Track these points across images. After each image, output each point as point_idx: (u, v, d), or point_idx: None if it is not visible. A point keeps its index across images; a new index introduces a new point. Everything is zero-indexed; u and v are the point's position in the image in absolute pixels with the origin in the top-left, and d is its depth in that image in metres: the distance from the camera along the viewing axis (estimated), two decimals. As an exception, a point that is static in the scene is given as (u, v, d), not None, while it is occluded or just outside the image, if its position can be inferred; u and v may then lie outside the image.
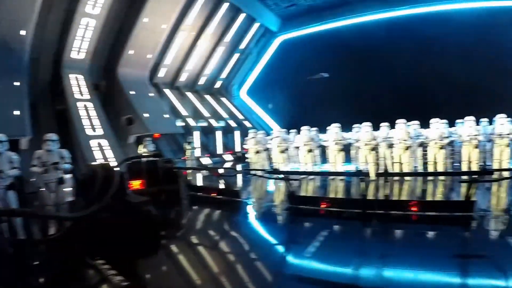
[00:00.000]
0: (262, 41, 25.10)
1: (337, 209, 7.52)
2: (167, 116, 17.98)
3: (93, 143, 13.71)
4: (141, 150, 14.52)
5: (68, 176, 8.75)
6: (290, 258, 5.37)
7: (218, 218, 8.33)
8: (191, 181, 11.65)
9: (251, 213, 8.37)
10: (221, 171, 14.01)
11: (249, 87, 26.67)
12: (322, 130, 13.02)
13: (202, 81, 22.79)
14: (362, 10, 22.41)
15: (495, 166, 10.49)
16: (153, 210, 5.81)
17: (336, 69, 21.63)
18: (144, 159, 9.54)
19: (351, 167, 12.22)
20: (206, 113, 22.17)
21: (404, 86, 19.68)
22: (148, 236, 5.19)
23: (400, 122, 10.90)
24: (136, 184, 8.98)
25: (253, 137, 13.99)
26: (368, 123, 11.35)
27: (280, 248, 5.95)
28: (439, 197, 8.76)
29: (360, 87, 20.98)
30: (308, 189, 10.70)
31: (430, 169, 10.83)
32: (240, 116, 24.43)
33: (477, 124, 11.30)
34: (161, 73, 19.70)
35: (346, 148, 12.49)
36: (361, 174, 7.56)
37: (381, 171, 10.45)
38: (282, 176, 8.51)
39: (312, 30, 24.42)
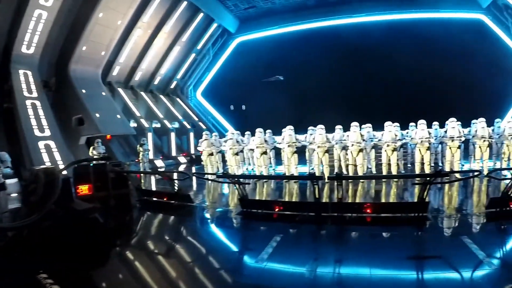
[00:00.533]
0: (220, 42, 25.13)
1: (291, 212, 7.47)
2: (119, 116, 17.42)
3: (41, 144, 13.01)
4: (92, 152, 13.85)
5: (13, 181, 8.18)
6: (242, 264, 5.24)
7: (168, 224, 8.01)
8: (142, 185, 11.14)
9: (203, 218, 8.23)
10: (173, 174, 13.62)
11: (205, 88, 26.59)
12: (277, 132, 13.18)
13: (157, 81, 22.40)
14: (319, 15, 23.19)
15: (447, 167, 11.27)
16: (100, 217, 5.50)
17: (291, 72, 22.33)
18: (92, 162, 9.04)
19: (305, 169, 12.72)
20: (160, 114, 21.67)
21: (359, 90, 20.89)
22: (93, 245, 4.98)
23: (354, 125, 11.32)
24: (83, 189, 8.51)
25: (206, 139, 13.95)
26: (322, 126, 11.72)
27: (231, 255, 5.73)
28: (393, 198, 9.05)
29: (315, 91, 21.77)
30: (262, 192, 10.73)
31: (384, 171, 11.32)
32: (195, 118, 24.28)
33: (429, 127, 12.02)
34: (115, 71, 19.11)
35: (301, 150, 12.78)
36: (313, 178, 7.57)
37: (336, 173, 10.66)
38: (232, 180, 8.36)
39: (270, 33, 24.81)
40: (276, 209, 7.62)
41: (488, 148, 11.25)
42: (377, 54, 20.58)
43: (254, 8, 23.38)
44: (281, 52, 22.88)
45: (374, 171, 12.53)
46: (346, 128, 11.67)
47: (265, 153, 12.42)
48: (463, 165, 12.77)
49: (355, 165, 11.39)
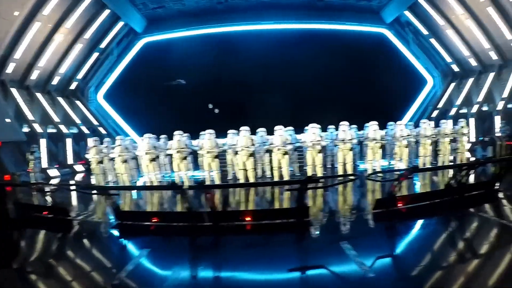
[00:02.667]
0: (125, 41, 24.60)
1: (168, 223, 7.55)
2: (9, 120, 16.45)
3: None
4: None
5: None
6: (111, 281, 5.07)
7: (37, 241, 7.58)
8: (22, 199, 10.41)
9: (75, 232, 7.92)
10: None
11: (107, 91, 25.59)
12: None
13: (55, 81, 21.19)
14: (228, 21, 23.98)
15: (340, 168, 12.75)
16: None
17: (198, 76, 22.69)
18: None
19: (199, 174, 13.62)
20: (57, 118, 20.64)
21: (257, 96, 22.29)
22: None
23: (244, 129, 12.19)
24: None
25: (95, 146, 13.83)
26: (211, 131, 12.55)
27: (85, 276, 5.41)
28: (278, 204, 9.58)
29: (218, 95, 22.49)
30: (139, 203, 10.94)
31: (276, 175, 12.30)
32: (95, 122, 23.61)
33: (324, 131, 14.00)
34: (9, 68, 17.57)
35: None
36: (176, 187, 7.94)
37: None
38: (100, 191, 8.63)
39: (177, 35, 24.94)
40: (153, 221, 7.64)
41: (380, 150, 13.05)
42: (283, 61, 22.63)
43: (163, 8, 23.22)
44: (188, 55, 23.19)
45: (269, 175, 13.39)
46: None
47: (185, 158, 12.65)
48: (359, 165, 14.84)
49: (246, 170, 12.08)
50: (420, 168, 12.16)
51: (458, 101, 22.59)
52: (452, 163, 13.88)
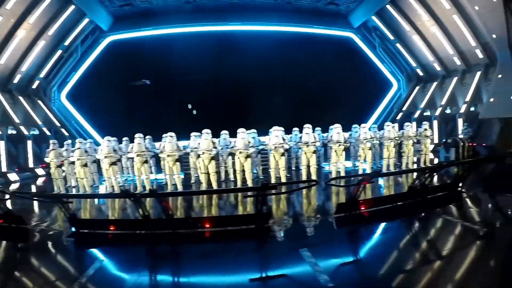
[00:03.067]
0: (90, 39, 24.10)
1: (124, 231, 7.48)
2: None
3: None
4: None
5: None
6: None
7: None
8: None
9: (31, 241, 7.68)
10: None
11: (70, 90, 25.03)
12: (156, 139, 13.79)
13: (17, 79, 20.29)
14: (196, 21, 23.94)
15: (304, 171, 12.93)
16: None
17: (161, 76, 22.71)
18: None
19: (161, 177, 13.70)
20: (17, 119, 20.00)
21: (221, 97, 22.69)
22: None
23: (205, 132, 12.24)
24: None
25: (53, 149, 13.49)
26: (172, 134, 12.62)
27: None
28: (236, 210, 9.64)
29: (184, 95, 22.70)
30: (97, 210, 10.80)
31: (238, 179, 12.45)
32: (58, 123, 23.04)
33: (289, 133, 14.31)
34: None
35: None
36: (127, 195, 7.94)
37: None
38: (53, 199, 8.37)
39: (144, 33, 24.71)
40: (111, 229, 7.56)
41: (344, 152, 13.33)
42: (250, 63, 22.43)
43: (130, 6, 22.83)
44: (154, 55, 23.10)
45: (232, 178, 13.47)
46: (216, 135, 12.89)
47: (146, 161, 12.58)
48: (324, 167, 15.39)
49: (208, 173, 12.15)
50: (382, 172, 12.58)
51: (422, 104, 23.56)
52: (416, 165, 14.46)
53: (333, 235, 7.25)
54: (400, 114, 24.42)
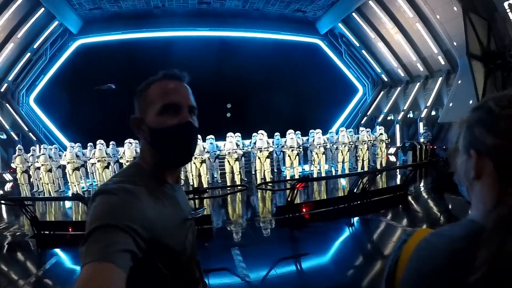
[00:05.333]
0: (59, 42, 24.52)
1: (81, 232, 8.15)
2: None
3: None
4: None
5: None
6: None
7: None
8: None
9: None
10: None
11: (38, 94, 25.41)
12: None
13: None
14: (165, 25, 24.63)
15: (258, 175, 13.82)
16: None
17: (127, 81, 22.40)
18: None
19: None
20: None
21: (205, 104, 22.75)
22: None
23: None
24: None
25: (19, 155, 14.04)
26: (131, 140, 13.32)
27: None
28: None
29: None
30: (59, 213, 11.22)
31: (228, 180, 13.34)
32: (26, 127, 23.25)
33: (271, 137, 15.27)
34: None
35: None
36: (77, 198, 8.62)
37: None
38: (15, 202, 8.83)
39: (113, 37, 25.26)
40: (70, 230, 8.11)
41: (297, 156, 14.34)
42: (218, 69, 23.37)
43: (100, 10, 23.36)
44: (123, 59, 23.51)
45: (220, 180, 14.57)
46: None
47: (107, 167, 13.30)
48: (283, 171, 16.19)
49: (199, 176, 13.01)
50: (312, 178, 13.68)
51: (386, 109, 25.13)
52: (356, 170, 15.40)
53: (268, 237, 7.67)
54: (365, 118, 25.79)
